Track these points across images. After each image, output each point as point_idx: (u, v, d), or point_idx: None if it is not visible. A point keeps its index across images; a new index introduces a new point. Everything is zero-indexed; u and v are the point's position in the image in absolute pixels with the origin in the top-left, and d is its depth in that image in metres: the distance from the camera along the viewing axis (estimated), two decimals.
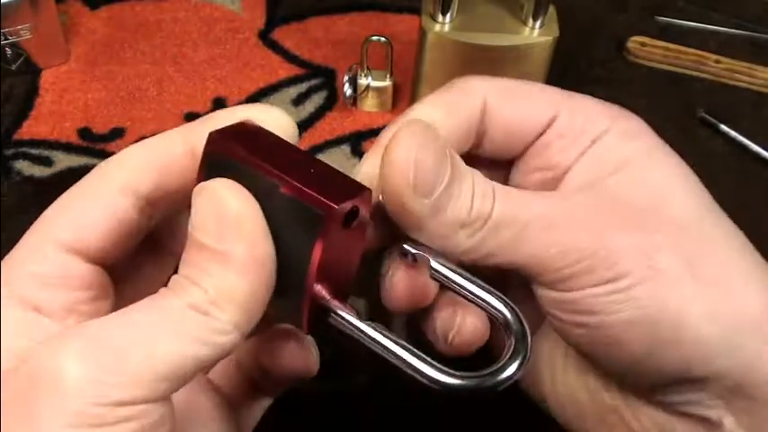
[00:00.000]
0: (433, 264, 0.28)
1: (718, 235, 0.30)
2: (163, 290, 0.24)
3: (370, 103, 0.52)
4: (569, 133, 0.30)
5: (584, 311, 0.27)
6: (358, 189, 0.26)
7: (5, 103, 0.51)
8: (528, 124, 0.31)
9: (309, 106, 0.53)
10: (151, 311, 0.24)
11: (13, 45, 0.51)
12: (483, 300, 0.28)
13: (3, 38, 0.51)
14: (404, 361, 0.26)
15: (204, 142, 0.26)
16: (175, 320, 0.24)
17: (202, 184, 0.25)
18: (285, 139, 0.27)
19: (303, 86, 0.54)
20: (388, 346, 0.27)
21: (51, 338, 0.23)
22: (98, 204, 0.28)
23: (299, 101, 0.53)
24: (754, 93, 0.55)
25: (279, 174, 0.25)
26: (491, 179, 0.29)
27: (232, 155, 0.25)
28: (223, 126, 0.26)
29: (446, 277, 0.28)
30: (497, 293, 0.28)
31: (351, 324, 0.27)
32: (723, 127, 0.52)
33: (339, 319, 0.27)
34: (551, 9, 0.47)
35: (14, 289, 0.26)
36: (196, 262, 0.24)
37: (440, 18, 0.46)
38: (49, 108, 0.52)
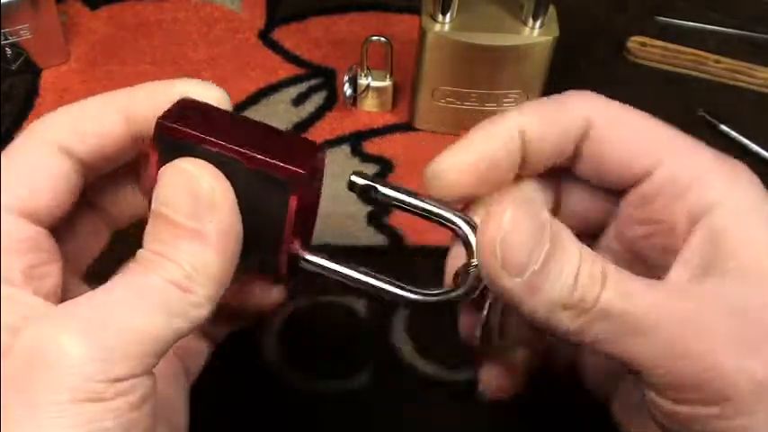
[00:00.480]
0: (381, 189, 0.29)
1: None
2: (136, 266, 0.25)
3: (370, 103, 0.52)
4: (674, 189, 0.29)
5: (682, 422, 0.26)
6: (314, 149, 0.28)
7: (5, 103, 0.51)
8: (630, 166, 0.29)
9: (309, 106, 0.53)
10: (135, 289, 0.25)
11: (13, 45, 0.51)
12: (441, 216, 0.29)
13: (3, 38, 0.51)
14: (371, 285, 0.29)
15: (137, 110, 0.28)
16: (159, 297, 0.25)
17: (173, 163, 0.26)
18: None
19: (303, 86, 0.54)
20: (357, 276, 0.29)
21: (46, 318, 0.24)
22: (41, 166, 0.28)
23: (299, 101, 0.53)
24: (754, 93, 0.55)
25: (239, 150, 0.26)
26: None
27: (186, 137, 0.26)
28: (158, 100, 0.28)
29: (398, 200, 0.29)
30: (454, 210, 0.29)
31: (321, 265, 0.29)
32: (723, 127, 0.52)
33: (310, 264, 0.29)
34: (551, 9, 0.47)
35: None
36: (167, 239, 0.25)
37: (440, 18, 0.46)
38: (49, 108, 0.51)
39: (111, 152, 0.29)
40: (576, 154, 0.30)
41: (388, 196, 0.29)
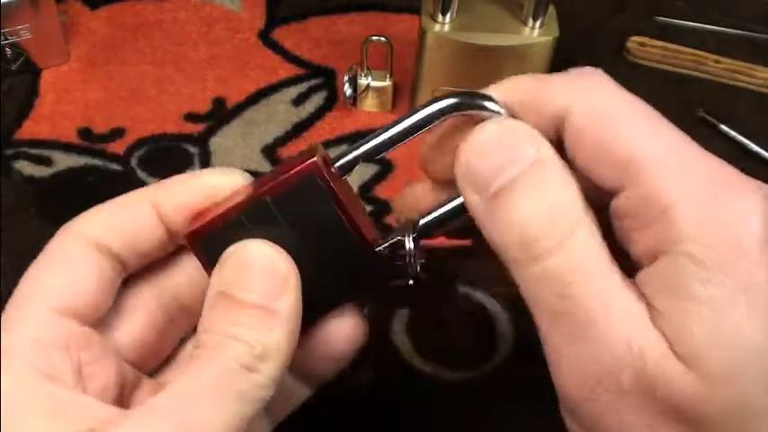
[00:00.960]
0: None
1: None
2: (203, 352, 0.25)
3: (370, 103, 0.52)
4: (639, 213, 0.24)
5: None
6: (312, 150, 0.27)
7: (5, 103, 0.51)
8: (600, 179, 0.25)
9: (309, 106, 0.53)
10: (207, 382, 0.24)
11: (13, 45, 0.51)
12: (417, 124, 0.28)
13: (3, 38, 0.51)
14: None
15: (167, 200, 0.28)
16: (230, 385, 0.24)
17: (238, 248, 0.26)
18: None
19: (303, 86, 0.54)
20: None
21: (129, 423, 0.24)
22: (81, 265, 0.27)
23: (299, 101, 0.53)
24: (754, 93, 0.55)
25: (257, 192, 0.26)
26: None
27: (213, 226, 0.27)
28: (188, 192, 0.28)
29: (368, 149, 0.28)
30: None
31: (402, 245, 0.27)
32: (723, 127, 0.52)
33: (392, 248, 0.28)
34: (551, 9, 0.47)
35: (22, 358, 0.26)
36: (236, 319, 0.25)
37: (440, 18, 0.46)
38: (49, 108, 0.52)
39: (146, 246, 0.28)
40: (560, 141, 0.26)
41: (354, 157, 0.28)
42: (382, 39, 0.49)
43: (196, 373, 0.25)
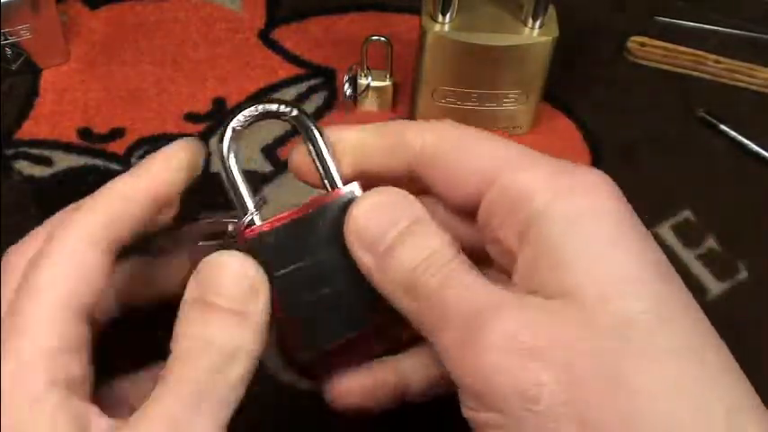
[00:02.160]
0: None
1: None
2: (177, 363, 0.27)
3: (370, 103, 0.52)
4: (504, 205, 0.28)
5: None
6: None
7: (5, 103, 0.51)
8: (464, 186, 0.29)
9: (309, 106, 0.53)
10: (187, 395, 0.26)
11: (13, 45, 0.51)
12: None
13: (3, 38, 0.51)
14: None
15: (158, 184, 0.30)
16: (207, 394, 0.27)
17: (213, 256, 0.28)
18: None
19: (303, 86, 0.54)
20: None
21: None
22: (89, 264, 0.28)
23: (299, 101, 0.53)
24: (754, 93, 0.55)
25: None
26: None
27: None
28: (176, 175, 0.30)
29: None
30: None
31: None
32: (723, 127, 0.52)
33: None
34: (551, 9, 0.47)
35: (42, 368, 0.26)
36: (207, 322, 0.27)
37: (440, 18, 0.46)
38: (49, 108, 0.52)
39: (134, 234, 0.30)
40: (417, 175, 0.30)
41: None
42: (382, 39, 0.49)
43: (177, 391, 0.26)
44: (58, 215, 0.30)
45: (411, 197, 0.29)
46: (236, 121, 0.30)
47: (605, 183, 0.28)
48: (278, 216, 0.29)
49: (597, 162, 0.51)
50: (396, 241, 0.28)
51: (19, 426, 0.25)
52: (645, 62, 0.56)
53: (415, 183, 0.31)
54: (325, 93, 0.53)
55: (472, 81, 0.48)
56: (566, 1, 0.48)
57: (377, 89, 0.51)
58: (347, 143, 0.31)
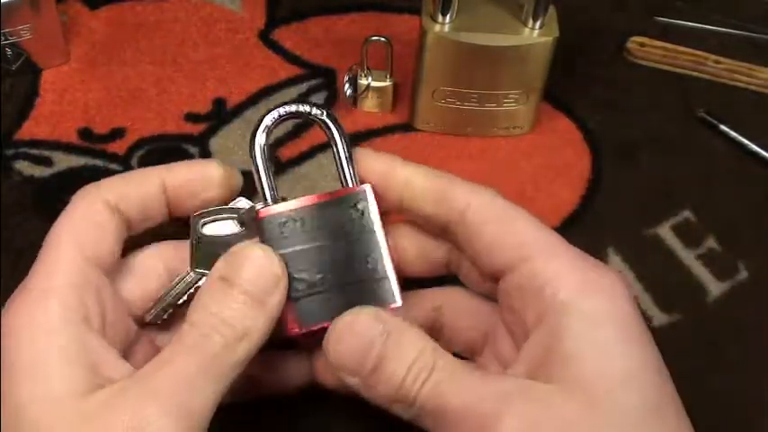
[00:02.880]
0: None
1: None
2: (194, 334, 0.30)
3: (370, 104, 0.52)
4: (530, 287, 0.31)
5: None
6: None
7: (5, 103, 0.51)
8: (494, 258, 0.32)
9: None
10: (197, 360, 0.29)
11: (13, 45, 0.51)
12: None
13: (3, 38, 0.50)
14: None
15: (172, 179, 0.35)
16: (215, 368, 0.29)
17: (246, 245, 0.32)
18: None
19: (303, 86, 0.54)
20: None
21: (133, 390, 0.29)
22: (105, 222, 0.32)
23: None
24: (754, 93, 0.55)
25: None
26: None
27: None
28: (191, 174, 0.35)
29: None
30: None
31: None
32: (723, 127, 0.52)
33: None
34: (551, 9, 0.47)
35: (60, 298, 0.30)
36: (229, 302, 0.30)
37: (440, 18, 0.46)
38: (49, 108, 0.51)
39: (151, 214, 0.34)
40: (454, 234, 0.33)
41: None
42: (382, 39, 0.49)
43: (189, 357, 0.29)
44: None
45: (381, 313, 0.31)
46: (270, 119, 0.33)
47: (620, 285, 0.30)
48: (290, 202, 0.33)
49: (597, 162, 0.51)
50: (376, 362, 0.30)
51: (32, 357, 0.28)
52: (645, 62, 0.56)
53: (446, 235, 0.34)
54: (325, 93, 0.53)
55: (472, 81, 0.48)
56: (566, 1, 0.48)
57: (377, 89, 0.51)
58: (397, 178, 0.33)
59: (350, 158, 0.34)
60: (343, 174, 0.34)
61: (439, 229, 0.34)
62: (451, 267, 0.36)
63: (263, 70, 0.54)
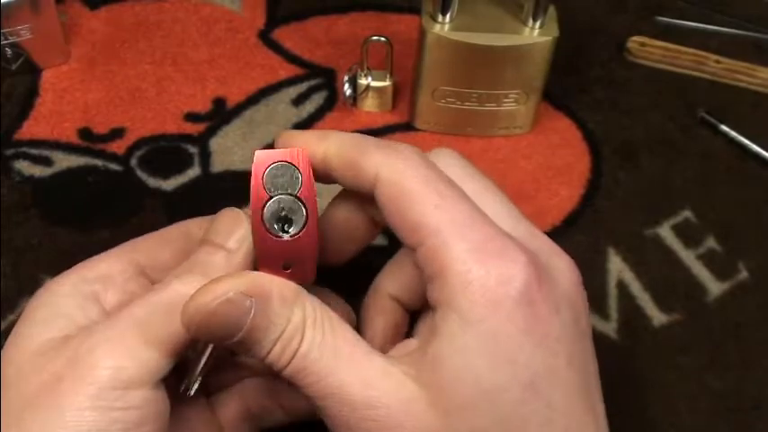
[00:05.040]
0: None
1: None
2: (170, 280, 0.31)
3: (370, 104, 0.52)
4: (425, 270, 0.30)
5: None
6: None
7: (5, 103, 0.51)
8: (401, 233, 0.30)
9: (309, 106, 0.53)
10: (166, 300, 0.30)
11: (13, 45, 0.51)
12: None
13: (3, 38, 0.50)
14: None
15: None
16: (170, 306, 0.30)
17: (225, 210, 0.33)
18: None
19: (303, 86, 0.54)
20: None
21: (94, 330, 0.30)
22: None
23: (299, 101, 0.53)
24: (754, 93, 0.55)
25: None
26: None
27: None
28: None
29: None
30: None
31: None
32: (723, 127, 0.52)
33: None
34: (551, 9, 0.47)
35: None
36: (203, 253, 0.32)
37: (440, 18, 0.46)
38: (49, 108, 0.51)
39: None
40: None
41: None
42: (382, 39, 0.49)
43: (160, 294, 0.30)
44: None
45: (246, 284, 0.29)
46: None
47: (514, 279, 0.28)
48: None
49: (597, 162, 0.51)
50: (241, 340, 0.29)
51: None
52: (645, 62, 0.56)
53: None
54: (325, 93, 0.53)
55: (472, 81, 0.48)
56: (566, 1, 0.48)
57: (377, 89, 0.51)
58: (317, 155, 0.32)
59: None
60: None
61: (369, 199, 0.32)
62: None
63: (263, 70, 0.54)
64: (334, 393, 0.28)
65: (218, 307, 0.28)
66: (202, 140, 0.50)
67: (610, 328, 0.43)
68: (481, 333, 0.27)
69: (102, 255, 0.33)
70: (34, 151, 0.49)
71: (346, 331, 0.30)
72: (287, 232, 0.30)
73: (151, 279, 0.33)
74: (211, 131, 0.51)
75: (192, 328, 0.29)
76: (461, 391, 0.27)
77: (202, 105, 0.52)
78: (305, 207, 0.30)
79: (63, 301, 0.31)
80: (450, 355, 0.28)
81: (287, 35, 0.57)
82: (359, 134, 0.32)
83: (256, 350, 0.29)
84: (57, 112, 0.51)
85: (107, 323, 0.30)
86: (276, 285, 0.29)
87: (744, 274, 0.46)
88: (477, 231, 0.29)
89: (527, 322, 0.28)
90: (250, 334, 0.29)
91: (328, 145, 0.31)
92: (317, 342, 0.29)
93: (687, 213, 0.49)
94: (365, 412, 0.28)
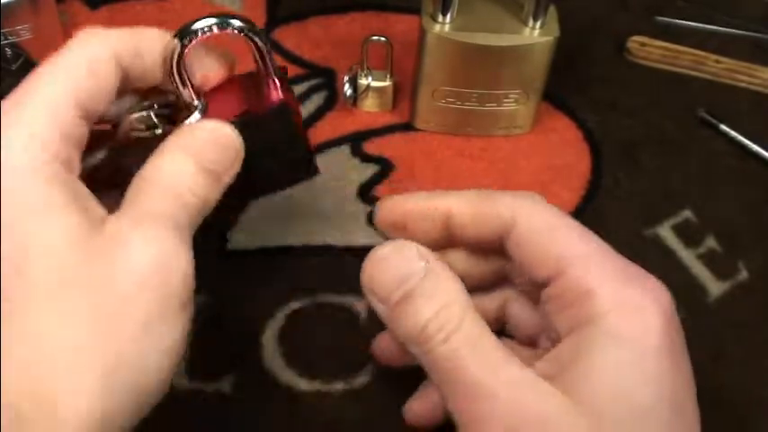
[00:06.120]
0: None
1: None
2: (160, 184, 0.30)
3: (370, 103, 0.52)
4: (566, 298, 0.30)
5: None
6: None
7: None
8: (539, 269, 0.31)
9: (309, 106, 0.53)
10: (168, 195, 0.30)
11: (13, 45, 0.51)
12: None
13: (3, 38, 0.50)
14: None
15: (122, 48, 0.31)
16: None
17: (215, 124, 0.32)
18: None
19: (303, 86, 0.54)
20: None
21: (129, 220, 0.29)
22: (102, 72, 0.30)
23: (299, 101, 0.53)
24: (754, 93, 0.55)
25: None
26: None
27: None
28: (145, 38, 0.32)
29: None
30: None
31: None
32: (723, 127, 0.52)
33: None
34: (551, 9, 0.47)
35: (45, 142, 0.28)
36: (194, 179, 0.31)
37: (440, 18, 0.46)
38: None
39: (148, 73, 0.32)
40: (503, 250, 0.33)
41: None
42: (382, 39, 0.49)
43: (164, 192, 0.29)
44: None
45: (423, 249, 0.31)
46: (193, 34, 0.32)
47: (656, 305, 0.29)
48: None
49: (597, 162, 0.51)
50: (403, 298, 0.30)
51: (14, 195, 0.27)
52: (645, 62, 0.56)
53: (494, 251, 0.34)
54: (325, 93, 0.53)
55: (472, 81, 0.48)
56: (566, 1, 0.48)
57: (377, 89, 0.51)
58: (438, 211, 0.33)
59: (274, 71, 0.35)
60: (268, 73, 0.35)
61: (488, 249, 0.34)
62: (505, 276, 0.36)
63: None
64: (481, 387, 0.28)
65: (393, 251, 0.30)
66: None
67: None
68: (633, 350, 0.28)
69: (49, 92, 0.29)
70: None
71: (496, 338, 0.30)
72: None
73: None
74: None
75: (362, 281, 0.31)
76: (612, 406, 0.28)
77: None
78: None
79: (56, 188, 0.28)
80: (602, 370, 0.28)
81: (287, 35, 0.57)
82: (476, 189, 0.33)
83: (413, 317, 0.29)
84: None
85: None
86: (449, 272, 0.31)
87: (744, 274, 0.46)
88: (618, 259, 0.31)
89: (671, 345, 0.29)
90: (414, 295, 0.29)
91: (451, 201, 0.33)
92: (476, 333, 0.29)
93: (687, 213, 0.49)
94: (509, 420, 0.28)
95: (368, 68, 0.51)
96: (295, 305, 0.43)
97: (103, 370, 0.26)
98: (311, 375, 0.41)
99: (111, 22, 0.56)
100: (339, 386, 0.40)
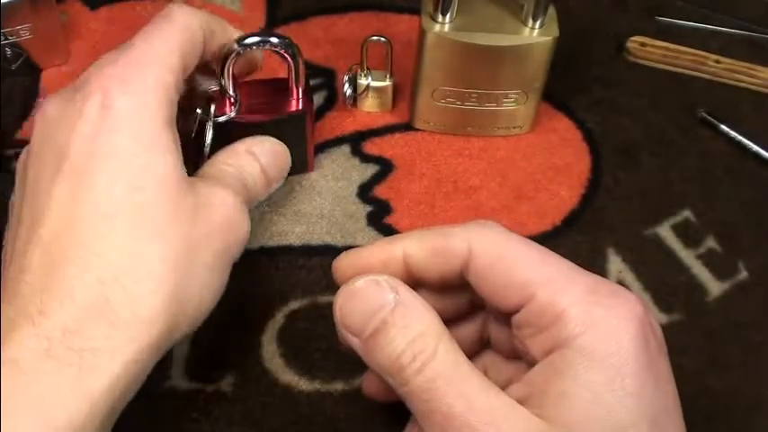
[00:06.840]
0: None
1: None
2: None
3: (370, 103, 0.52)
4: (539, 322, 0.30)
5: None
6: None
7: (5, 103, 0.51)
8: (506, 297, 0.31)
9: None
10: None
11: (13, 45, 0.51)
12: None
13: (3, 38, 0.50)
14: None
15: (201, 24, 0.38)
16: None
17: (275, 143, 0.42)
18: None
19: None
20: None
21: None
22: (197, 46, 0.38)
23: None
24: (754, 93, 0.55)
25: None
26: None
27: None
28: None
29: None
30: None
31: None
32: (723, 127, 0.52)
33: None
34: (551, 9, 0.47)
35: (159, 96, 0.34)
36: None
37: (440, 18, 0.46)
38: None
39: (206, 56, 0.39)
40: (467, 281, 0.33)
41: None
42: (382, 39, 0.49)
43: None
44: None
45: (393, 281, 0.31)
46: (240, 47, 0.40)
47: (629, 321, 0.29)
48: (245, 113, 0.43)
49: (597, 162, 0.51)
50: (377, 330, 0.30)
51: (140, 132, 0.33)
52: (645, 62, 0.56)
53: (459, 286, 0.33)
54: (324, 93, 0.53)
55: (472, 81, 0.48)
56: (566, 1, 0.48)
57: (377, 89, 0.51)
58: (395, 258, 0.33)
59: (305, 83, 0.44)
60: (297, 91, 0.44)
61: (455, 283, 0.34)
62: (475, 304, 0.36)
63: (264, 70, 0.54)
64: (456, 419, 0.28)
65: (364, 285, 0.31)
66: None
67: None
68: (607, 369, 0.28)
69: (164, 49, 0.36)
70: None
71: (471, 365, 0.30)
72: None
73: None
74: None
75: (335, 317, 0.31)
76: (589, 427, 0.28)
77: None
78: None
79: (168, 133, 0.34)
80: (578, 391, 0.28)
81: (287, 35, 0.57)
82: (426, 228, 0.34)
83: (387, 348, 0.30)
84: None
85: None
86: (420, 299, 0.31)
87: (744, 274, 0.46)
88: (585, 277, 0.31)
89: (646, 359, 0.29)
90: (386, 326, 0.30)
91: (404, 244, 0.33)
92: (450, 361, 0.29)
93: (687, 213, 0.49)
94: None
95: (368, 68, 0.51)
96: (295, 305, 0.43)
97: (172, 289, 0.31)
98: (311, 375, 0.41)
99: (111, 23, 0.56)
100: (339, 386, 0.40)
